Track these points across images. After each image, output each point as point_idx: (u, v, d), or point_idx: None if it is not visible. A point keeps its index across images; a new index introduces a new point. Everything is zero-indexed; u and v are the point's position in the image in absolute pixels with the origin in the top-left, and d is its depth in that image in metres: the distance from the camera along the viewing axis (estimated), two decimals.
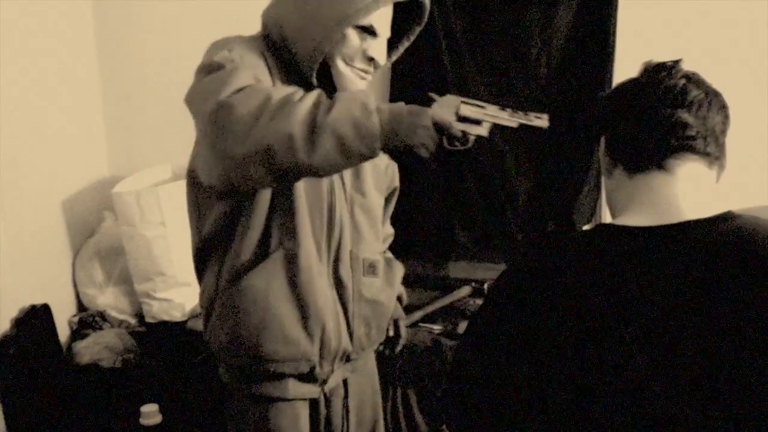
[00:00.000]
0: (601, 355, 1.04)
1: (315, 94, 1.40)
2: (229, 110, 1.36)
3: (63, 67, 3.16)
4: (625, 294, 1.05)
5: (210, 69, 1.48)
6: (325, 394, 1.82)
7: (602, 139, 1.23)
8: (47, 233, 3.06)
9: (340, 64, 1.60)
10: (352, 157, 1.38)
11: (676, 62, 1.18)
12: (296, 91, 1.41)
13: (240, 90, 1.39)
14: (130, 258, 3.02)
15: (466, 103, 1.48)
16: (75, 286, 3.21)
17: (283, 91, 1.41)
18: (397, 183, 2.08)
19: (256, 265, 1.64)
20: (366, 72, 1.64)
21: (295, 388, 1.74)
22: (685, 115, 1.12)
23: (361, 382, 1.94)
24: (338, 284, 1.74)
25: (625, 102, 1.19)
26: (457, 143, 1.49)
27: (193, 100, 1.50)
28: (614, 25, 2.97)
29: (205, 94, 1.43)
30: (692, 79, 1.16)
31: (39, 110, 2.97)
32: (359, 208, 1.78)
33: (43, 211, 3.04)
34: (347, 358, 1.81)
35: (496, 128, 1.50)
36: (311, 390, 1.77)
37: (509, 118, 1.50)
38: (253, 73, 1.48)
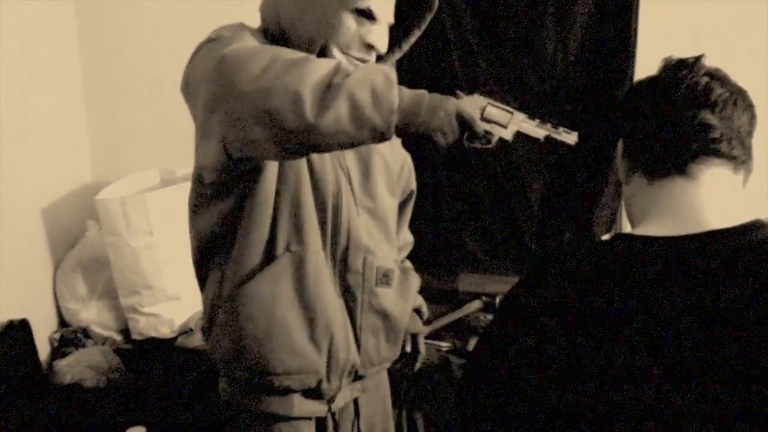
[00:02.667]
0: (619, 372, 1.03)
1: (335, 60, 1.39)
2: (233, 60, 1.36)
3: (44, 67, 3.18)
4: (646, 310, 1.05)
5: (208, 41, 1.50)
6: (333, 414, 1.81)
7: (619, 143, 1.23)
8: (26, 243, 3.07)
9: (336, 53, 1.58)
10: (364, 127, 1.34)
11: (698, 58, 1.17)
12: (311, 55, 1.40)
13: (243, 50, 1.39)
14: (115, 270, 3.03)
15: (494, 106, 1.49)
16: (56, 300, 3.22)
17: (296, 51, 1.40)
18: (413, 186, 2.08)
19: (262, 269, 1.64)
20: (364, 62, 1.62)
21: (300, 405, 1.73)
22: (709, 116, 1.12)
23: (373, 404, 1.93)
24: (346, 292, 1.74)
25: (643, 102, 1.19)
26: (477, 142, 1.49)
27: (191, 75, 1.51)
28: (635, 19, 2.97)
29: (205, 62, 1.43)
30: (716, 76, 1.15)
31: (18, 112, 2.98)
32: (369, 213, 1.77)
33: (22, 220, 3.05)
34: (356, 374, 1.80)
35: (519, 135, 1.51)
36: (318, 408, 1.76)
37: (536, 129, 1.51)
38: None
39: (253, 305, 1.63)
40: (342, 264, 1.72)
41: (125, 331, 3.13)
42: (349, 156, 1.74)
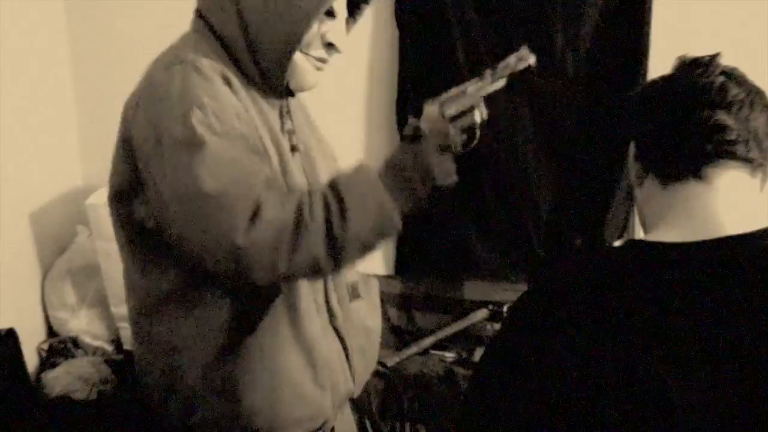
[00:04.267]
0: (633, 384, 1.03)
1: (319, 201, 1.38)
2: (249, 254, 1.35)
3: (33, 67, 3.18)
4: (661, 319, 1.05)
5: (187, 149, 1.38)
6: None
7: (631, 144, 1.23)
8: (13, 249, 3.07)
9: (296, 54, 1.55)
10: (374, 249, 1.45)
11: (714, 57, 1.18)
12: (302, 204, 1.38)
13: (252, 223, 1.35)
14: (106, 277, 3.03)
15: (446, 100, 1.47)
16: (44, 308, 3.22)
17: (288, 207, 1.38)
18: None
19: (252, 317, 1.56)
20: (323, 61, 1.60)
21: None
22: (724, 117, 1.12)
23: (344, 422, 1.92)
24: (331, 317, 1.70)
25: (656, 102, 1.19)
26: (467, 145, 1.49)
27: (157, 172, 1.44)
28: (649, 15, 2.97)
29: (207, 216, 1.37)
30: (732, 76, 1.16)
31: (5, 114, 2.99)
32: None
33: (9, 225, 3.05)
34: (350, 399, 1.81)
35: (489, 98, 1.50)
36: None
37: (493, 83, 1.49)
38: (252, 169, 1.41)
39: (254, 363, 1.57)
40: (324, 292, 1.69)
41: (116, 341, 3.14)
42: (300, 178, 1.67)
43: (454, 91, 1.49)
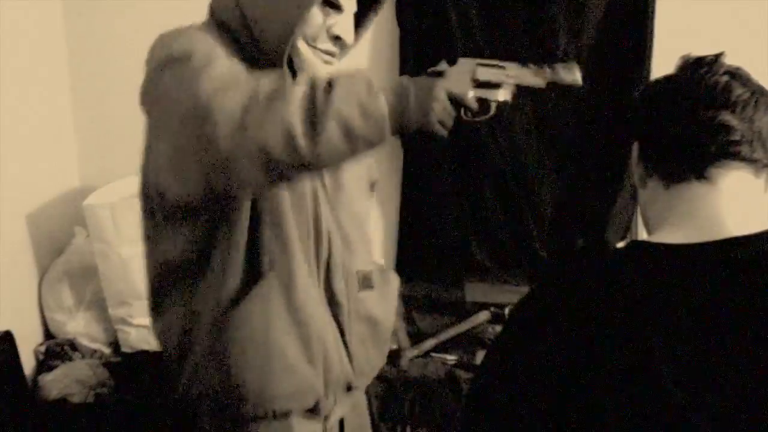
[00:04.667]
0: (634, 389, 1.03)
1: (307, 77, 1.38)
2: (210, 109, 1.33)
3: (30, 67, 3.18)
4: (663, 321, 1.05)
5: (171, 61, 1.44)
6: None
7: (634, 145, 1.23)
8: (9, 251, 3.07)
9: (302, 46, 1.57)
10: (359, 144, 1.35)
11: (718, 56, 1.18)
12: (279, 78, 1.39)
13: (217, 84, 1.36)
14: (103, 279, 3.03)
15: (483, 65, 1.49)
16: (41, 311, 3.22)
17: (269, 77, 1.38)
18: (376, 175, 2.07)
19: (247, 291, 1.60)
20: (331, 54, 1.61)
21: (299, 425, 1.71)
22: (729, 117, 1.12)
23: (356, 417, 1.94)
24: (331, 302, 1.72)
25: (659, 102, 1.19)
26: (477, 114, 1.49)
27: (153, 100, 1.48)
28: (652, 15, 2.97)
29: (173, 93, 1.40)
30: (736, 75, 1.15)
31: (2, 114, 2.99)
32: (345, 214, 1.76)
33: (5, 226, 3.05)
34: (348, 388, 1.80)
35: (520, 91, 1.50)
36: (314, 428, 1.75)
37: (534, 77, 1.49)
38: (227, 62, 1.45)
39: (245, 331, 1.60)
40: (325, 274, 1.71)
41: (114, 344, 3.13)
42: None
43: (494, 61, 1.50)
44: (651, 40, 2.98)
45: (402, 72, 3.14)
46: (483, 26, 3.10)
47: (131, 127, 3.49)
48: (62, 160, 3.45)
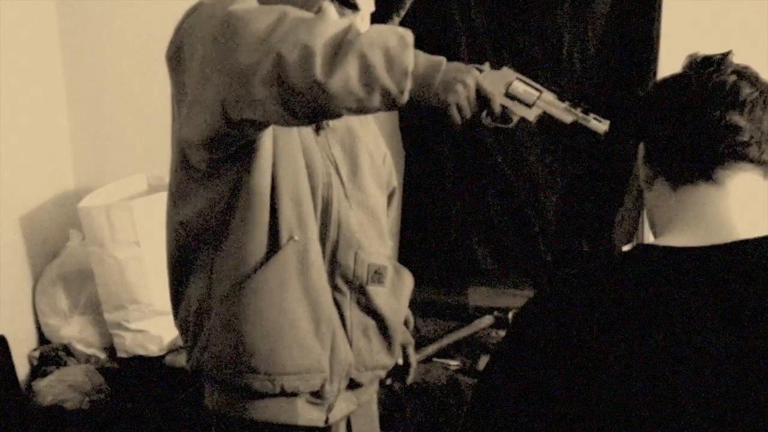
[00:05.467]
0: (641, 397, 1.03)
1: (347, 20, 1.41)
2: (239, 18, 1.35)
3: (23, 66, 3.19)
4: (671, 326, 1.05)
5: (203, 3, 1.48)
6: (329, 428, 1.81)
7: (641, 146, 1.23)
8: (3, 254, 3.07)
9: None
10: (375, 90, 1.33)
11: (726, 55, 1.17)
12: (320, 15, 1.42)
13: (253, 3, 1.39)
14: (99, 283, 3.03)
15: (522, 81, 1.53)
16: (35, 315, 3.22)
17: (306, 12, 1.40)
18: (395, 182, 2.09)
19: (267, 259, 1.64)
20: None
21: (303, 410, 1.74)
22: (737, 118, 1.12)
23: (365, 424, 1.95)
24: (334, 289, 1.75)
25: (666, 102, 1.19)
26: (496, 120, 1.52)
27: (186, 37, 1.49)
28: (659, 12, 2.97)
29: (207, 22, 1.42)
30: (744, 75, 1.15)
31: None
32: (360, 207, 1.79)
33: None
34: (351, 381, 1.81)
35: (544, 118, 1.53)
36: (318, 416, 1.77)
37: (563, 113, 1.52)
38: None
39: (261, 298, 1.63)
40: (332, 259, 1.74)
41: (110, 349, 3.13)
42: (336, 148, 1.76)
43: (535, 83, 1.55)
44: (658, 38, 2.98)
45: None
46: (486, 25, 3.10)
47: (127, 128, 3.52)
48: (57, 161, 3.45)
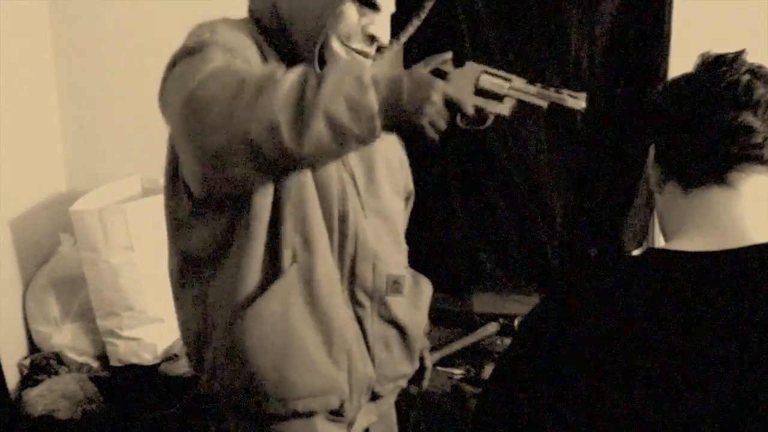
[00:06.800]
0: (652, 405, 1.04)
1: (299, 69, 1.39)
2: (199, 100, 1.37)
3: (14, 65, 3.19)
4: (682, 332, 1.05)
5: (183, 56, 1.49)
6: None
7: (651, 148, 1.23)
8: None
9: (336, 45, 1.61)
10: (347, 141, 1.38)
11: (739, 54, 1.17)
12: (277, 69, 1.41)
13: (212, 74, 1.39)
14: (91, 289, 3.03)
15: (489, 73, 1.50)
16: (26, 322, 3.22)
17: (262, 70, 1.42)
18: (411, 185, 2.09)
19: (268, 285, 1.63)
20: (366, 55, 1.65)
21: (323, 428, 1.73)
22: (750, 118, 1.12)
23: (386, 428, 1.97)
24: (354, 302, 1.75)
25: (677, 103, 1.19)
26: (472, 123, 1.50)
27: (164, 97, 1.51)
28: (669, 11, 2.97)
29: (175, 87, 1.44)
30: (758, 74, 1.15)
31: None
32: (376, 215, 1.79)
33: None
34: (372, 393, 1.82)
35: (521, 107, 1.52)
36: None
37: (537, 96, 1.51)
38: (233, 55, 1.48)
39: (264, 326, 1.62)
40: (350, 273, 1.74)
41: (103, 357, 3.13)
42: (352, 155, 1.75)
43: (501, 72, 1.51)
44: (668, 37, 2.98)
45: (405, 69, 3.14)
46: (491, 22, 3.10)
47: (119, 130, 3.51)
48: (48, 163, 3.45)
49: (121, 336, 3.02)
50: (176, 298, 1.77)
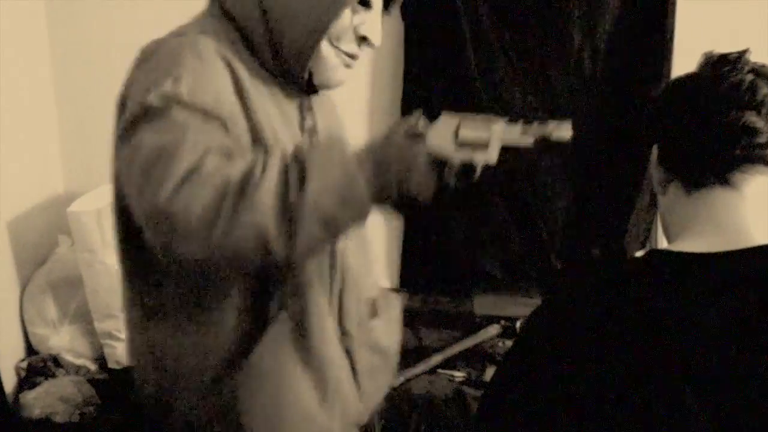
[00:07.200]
0: (653, 408, 1.04)
1: (276, 163, 1.31)
2: (175, 216, 1.28)
3: (11, 66, 3.19)
4: (685, 335, 1.05)
5: (141, 118, 1.36)
6: None
7: (654, 148, 1.23)
8: None
9: (324, 46, 1.51)
10: (340, 230, 1.34)
11: (742, 53, 1.18)
12: (255, 164, 1.31)
13: (185, 179, 1.29)
14: (89, 290, 3.03)
15: (468, 121, 1.41)
16: (23, 324, 3.22)
17: (238, 165, 1.31)
18: None
19: (255, 336, 1.53)
20: (353, 57, 1.56)
21: None
22: (754, 118, 1.12)
23: None
24: (344, 333, 1.68)
25: (680, 102, 1.19)
26: (462, 178, 1.42)
27: (118, 160, 1.45)
28: (672, 10, 2.97)
29: (141, 175, 1.34)
30: (762, 73, 1.15)
31: None
32: (353, 238, 1.69)
33: None
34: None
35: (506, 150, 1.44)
36: None
37: (521, 135, 1.43)
38: (203, 119, 1.36)
39: (254, 383, 1.54)
40: (340, 304, 1.67)
41: (100, 360, 3.13)
42: None
43: (480, 117, 1.42)
44: (671, 36, 2.98)
45: (407, 68, 3.14)
46: (493, 22, 3.10)
47: None
48: (45, 163, 3.45)
49: (119, 338, 3.02)
50: (132, 344, 1.69)
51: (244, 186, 1.27)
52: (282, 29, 1.49)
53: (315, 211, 1.28)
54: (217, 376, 1.54)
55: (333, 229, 1.32)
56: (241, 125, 1.43)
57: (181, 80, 1.36)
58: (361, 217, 1.35)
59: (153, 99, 1.35)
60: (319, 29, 1.48)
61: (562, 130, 1.42)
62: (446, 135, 1.38)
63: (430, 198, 1.38)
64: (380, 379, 1.82)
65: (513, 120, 1.43)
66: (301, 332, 1.57)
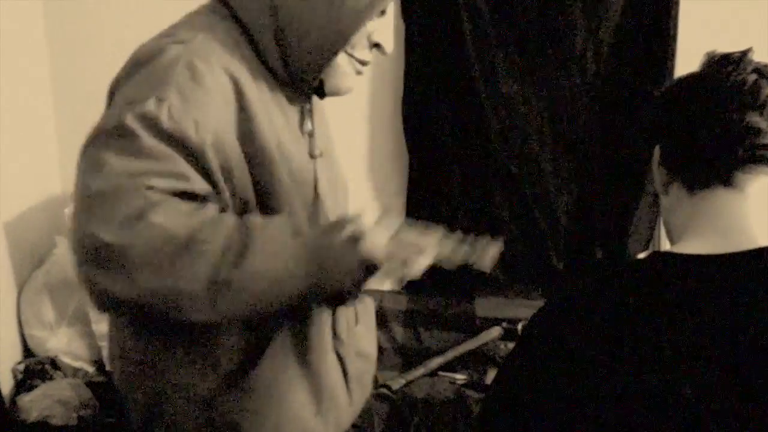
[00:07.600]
0: (657, 410, 1.04)
1: (224, 230, 1.30)
2: (111, 254, 1.27)
3: (8, 66, 3.19)
4: (688, 336, 1.05)
5: (111, 135, 1.38)
6: None
7: (656, 149, 1.24)
8: None
9: (340, 55, 1.49)
10: (263, 313, 1.38)
11: (745, 53, 1.18)
12: (203, 224, 1.30)
13: (131, 221, 1.27)
14: None
15: (403, 231, 1.40)
16: (20, 326, 3.22)
17: (186, 219, 1.30)
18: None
19: (252, 353, 1.53)
20: (364, 64, 1.55)
21: None
22: (757, 119, 1.12)
23: None
24: (337, 342, 1.68)
25: (682, 103, 1.19)
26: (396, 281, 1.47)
27: (79, 172, 1.44)
28: (675, 9, 2.97)
29: (93, 198, 1.34)
30: (765, 73, 1.15)
31: None
32: None
33: None
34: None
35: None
36: None
37: (452, 252, 1.45)
38: (169, 173, 1.33)
39: (254, 400, 1.54)
40: (332, 314, 1.66)
41: (98, 362, 3.13)
42: (322, 178, 1.64)
43: (419, 226, 1.43)
44: (674, 36, 2.98)
45: (407, 68, 3.14)
46: (494, 21, 3.10)
47: None
48: (43, 165, 3.45)
49: None
50: (114, 350, 1.69)
51: (188, 244, 1.27)
52: (298, 38, 1.46)
53: (243, 292, 1.29)
54: (213, 392, 1.53)
55: (257, 309, 1.35)
56: (229, 148, 1.41)
57: (165, 103, 1.34)
58: (286, 306, 1.36)
59: (131, 118, 1.34)
60: (340, 41, 1.46)
61: (487, 258, 1.52)
62: (380, 243, 1.37)
63: (357, 295, 1.41)
64: (366, 384, 1.83)
65: (450, 233, 1.47)
66: (302, 346, 1.58)
